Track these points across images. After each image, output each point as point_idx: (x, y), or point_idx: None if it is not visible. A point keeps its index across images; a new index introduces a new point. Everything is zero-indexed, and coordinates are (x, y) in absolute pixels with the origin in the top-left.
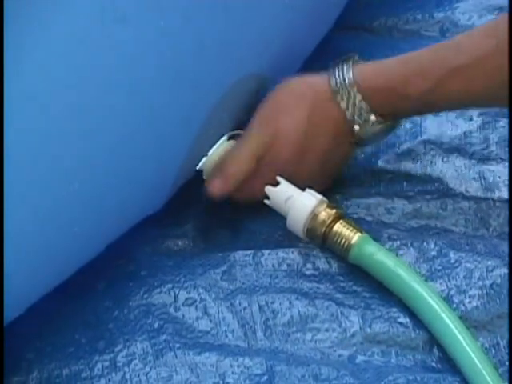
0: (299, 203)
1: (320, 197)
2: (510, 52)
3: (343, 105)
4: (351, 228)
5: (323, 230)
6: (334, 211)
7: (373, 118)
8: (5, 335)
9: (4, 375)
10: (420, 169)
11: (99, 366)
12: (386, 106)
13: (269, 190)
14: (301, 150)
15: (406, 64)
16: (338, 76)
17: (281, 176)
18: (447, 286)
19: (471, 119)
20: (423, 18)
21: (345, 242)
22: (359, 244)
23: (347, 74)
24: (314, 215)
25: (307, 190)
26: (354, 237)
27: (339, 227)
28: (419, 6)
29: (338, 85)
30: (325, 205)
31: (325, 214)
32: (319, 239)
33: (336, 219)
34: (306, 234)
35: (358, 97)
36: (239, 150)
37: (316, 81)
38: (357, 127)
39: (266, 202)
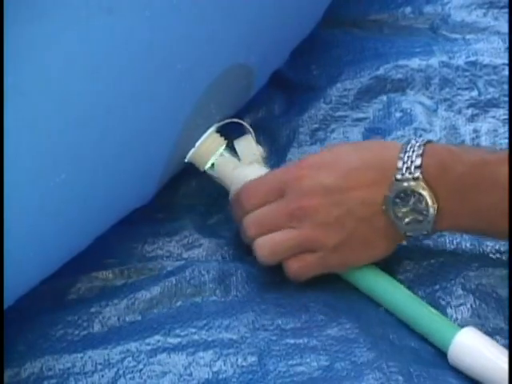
0: (244, 175)
1: (265, 169)
2: (510, 56)
3: None
4: None
5: None
6: None
7: None
8: None
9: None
10: None
11: (92, 361)
12: None
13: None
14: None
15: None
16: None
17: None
18: None
19: (460, 112)
20: (413, 14)
21: None
22: None
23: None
24: None
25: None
26: None
27: None
28: (409, 2)
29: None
30: None
31: None
32: None
33: None
34: None
35: None
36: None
37: None
38: None
39: (210, 171)
